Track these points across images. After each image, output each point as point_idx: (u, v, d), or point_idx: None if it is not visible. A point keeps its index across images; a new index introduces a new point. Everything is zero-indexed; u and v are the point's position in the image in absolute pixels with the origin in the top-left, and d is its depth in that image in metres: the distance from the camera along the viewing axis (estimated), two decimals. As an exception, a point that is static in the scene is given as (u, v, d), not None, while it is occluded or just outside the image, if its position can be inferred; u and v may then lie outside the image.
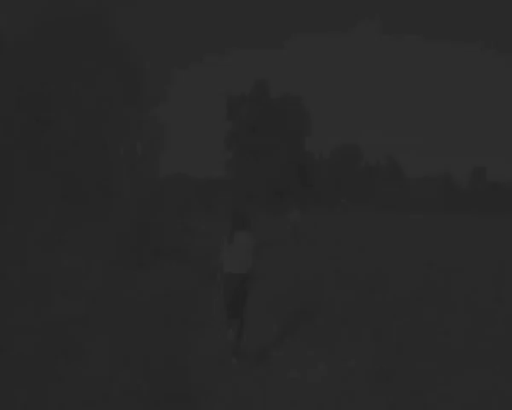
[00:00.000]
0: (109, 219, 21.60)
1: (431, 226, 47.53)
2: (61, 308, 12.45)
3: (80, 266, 17.06)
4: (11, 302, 13.01)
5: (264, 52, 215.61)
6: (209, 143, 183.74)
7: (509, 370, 8.80)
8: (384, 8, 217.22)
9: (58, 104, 44.70)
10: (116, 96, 50.49)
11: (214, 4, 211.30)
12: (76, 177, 42.77)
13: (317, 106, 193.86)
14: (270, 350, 10.37)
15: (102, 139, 22.93)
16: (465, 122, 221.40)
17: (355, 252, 23.96)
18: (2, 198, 32.84)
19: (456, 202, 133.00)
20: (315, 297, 14.01)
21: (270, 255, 26.16)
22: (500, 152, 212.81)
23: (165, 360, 8.94)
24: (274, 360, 9.89)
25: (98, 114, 46.67)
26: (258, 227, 37.43)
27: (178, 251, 20.55)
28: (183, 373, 9.21)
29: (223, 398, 8.28)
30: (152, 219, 20.67)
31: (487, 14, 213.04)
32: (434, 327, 11.36)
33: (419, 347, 10.04)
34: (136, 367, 8.18)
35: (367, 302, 13.53)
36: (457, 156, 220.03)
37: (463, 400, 7.78)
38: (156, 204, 21.08)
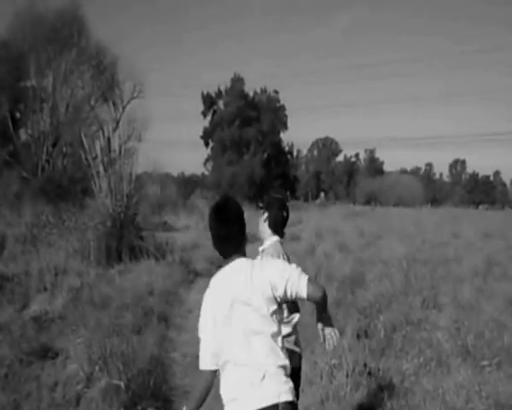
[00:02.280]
0: (87, 217, 21.42)
1: (412, 219, 47.39)
2: (39, 307, 12.30)
3: (58, 264, 16.86)
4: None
5: (242, 46, 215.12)
6: (189, 139, 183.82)
7: (496, 367, 8.74)
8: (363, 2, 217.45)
9: (34, 102, 44.70)
10: (92, 94, 50.53)
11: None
12: (54, 174, 42.79)
13: (295, 100, 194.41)
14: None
15: (79, 136, 22.54)
16: (443, 115, 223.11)
17: (336, 247, 23.84)
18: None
19: (437, 194, 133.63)
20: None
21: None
22: (479, 144, 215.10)
23: (146, 359, 8.80)
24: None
25: (74, 111, 46.71)
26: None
27: (158, 248, 20.38)
28: (164, 373, 9.13)
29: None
30: (130, 216, 20.45)
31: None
32: (420, 323, 11.28)
33: (404, 344, 9.97)
34: (114, 367, 8.04)
35: (350, 298, 13.47)
36: (436, 149, 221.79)
37: (448, 397, 7.73)
38: (134, 201, 20.84)
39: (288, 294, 3.87)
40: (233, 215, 4.11)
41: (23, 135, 47.31)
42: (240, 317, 3.83)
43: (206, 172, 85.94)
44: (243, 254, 4.07)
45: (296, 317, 5.43)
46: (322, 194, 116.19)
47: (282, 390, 3.76)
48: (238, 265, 3.99)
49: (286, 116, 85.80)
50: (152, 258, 19.06)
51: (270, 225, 5.66)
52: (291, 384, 3.86)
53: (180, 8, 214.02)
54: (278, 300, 3.89)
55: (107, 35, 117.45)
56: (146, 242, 20.56)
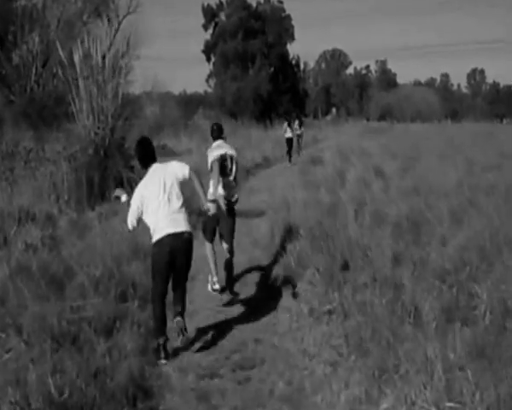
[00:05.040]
0: (65, 143, 18.30)
1: (440, 136, 43.85)
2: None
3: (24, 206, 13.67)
4: None
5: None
6: (190, 55, 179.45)
7: None
8: None
9: (24, 22, 41.64)
10: (84, 9, 47.68)
11: None
12: (37, 95, 39.74)
13: (299, 9, 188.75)
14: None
15: (69, 54, 19.49)
16: (458, 20, 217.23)
17: (370, 172, 20.35)
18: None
19: (456, 107, 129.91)
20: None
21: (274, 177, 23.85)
22: (498, 52, 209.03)
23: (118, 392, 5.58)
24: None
25: (66, 28, 43.69)
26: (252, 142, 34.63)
27: None
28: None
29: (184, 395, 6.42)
30: (117, 141, 17.11)
31: None
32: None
33: None
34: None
35: (417, 254, 9.68)
36: (451, 58, 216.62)
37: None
38: (122, 122, 17.49)
39: (181, 177, 7.71)
40: (150, 144, 8.02)
41: (15, 58, 44.90)
42: (164, 186, 7.51)
43: (209, 90, 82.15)
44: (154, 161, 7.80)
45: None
46: (334, 109, 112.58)
47: (187, 227, 7.63)
48: (156, 165, 7.74)
49: (292, 26, 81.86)
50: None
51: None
52: (189, 227, 7.67)
53: None
54: (180, 179, 7.71)
55: None
56: (137, 173, 17.19)
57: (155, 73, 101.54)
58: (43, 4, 43.72)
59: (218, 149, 9.88)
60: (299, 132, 34.14)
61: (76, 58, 17.83)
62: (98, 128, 17.33)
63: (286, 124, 33.09)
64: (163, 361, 7.27)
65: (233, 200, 9.82)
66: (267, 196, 18.57)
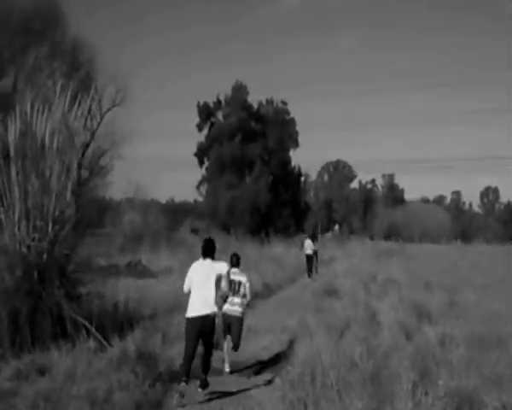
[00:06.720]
0: None
1: (466, 260, 40.79)
2: None
3: None
4: None
5: (244, 59, 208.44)
6: (181, 158, 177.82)
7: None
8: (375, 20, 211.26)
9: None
10: (62, 96, 44.73)
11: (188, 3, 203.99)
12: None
13: (302, 118, 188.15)
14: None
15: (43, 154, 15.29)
16: (470, 137, 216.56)
17: (409, 310, 16.39)
18: None
19: (467, 227, 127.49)
20: None
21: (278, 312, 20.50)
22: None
23: None
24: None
25: (39, 118, 40.34)
26: (249, 262, 31.36)
27: (106, 316, 12.65)
28: None
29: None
30: (57, 258, 13.09)
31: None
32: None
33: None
34: None
35: None
36: (463, 174, 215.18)
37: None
38: (67, 230, 13.04)
39: (220, 274, 11.16)
40: (212, 245, 11.54)
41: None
42: (206, 277, 10.93)
43: (200, 198, 78.64)
44: (212, 258, 11.26)
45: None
46: (337, 226, 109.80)
47: (213, 309, 10.84)
48: (209, 261, 11.15)
49: (296, 132, 78.49)
50: (92, 340, 11.83)
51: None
52: (215, 309, 10.92)
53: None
54: (220, 275, 11.20)
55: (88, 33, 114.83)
56: (85, 305, 12.96)
57: (138, 176, 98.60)
58: (14, 87, 41.81)
59: (231, 275, 12.56)
60: (315, 249, 34.32)
61: (11, 137, 13.62)
62: (33, 239, 12.83)
63: (308, 240, 34.38)
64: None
65: (233, 314, 12.86)
66: (270, 342, 15.35)
